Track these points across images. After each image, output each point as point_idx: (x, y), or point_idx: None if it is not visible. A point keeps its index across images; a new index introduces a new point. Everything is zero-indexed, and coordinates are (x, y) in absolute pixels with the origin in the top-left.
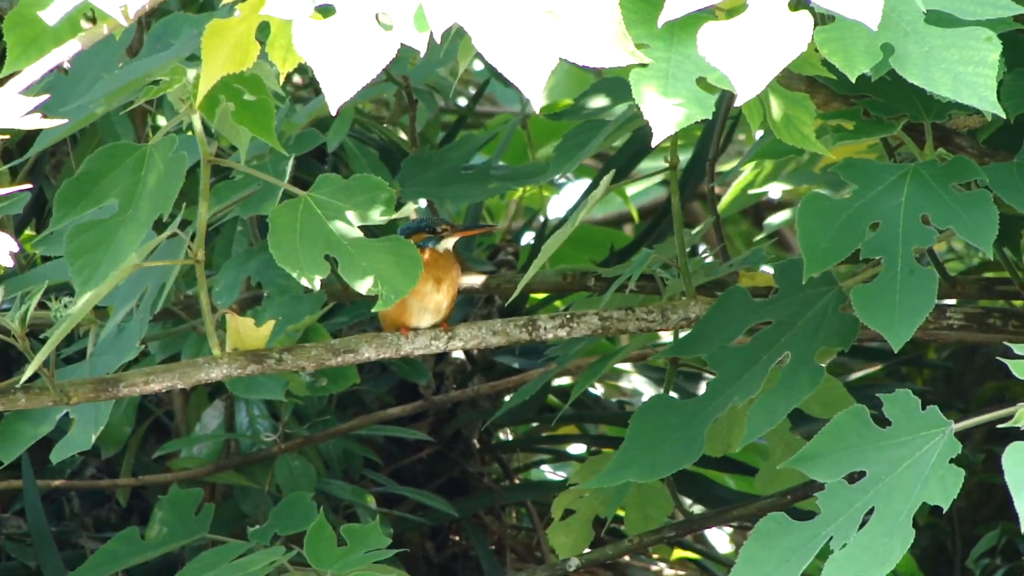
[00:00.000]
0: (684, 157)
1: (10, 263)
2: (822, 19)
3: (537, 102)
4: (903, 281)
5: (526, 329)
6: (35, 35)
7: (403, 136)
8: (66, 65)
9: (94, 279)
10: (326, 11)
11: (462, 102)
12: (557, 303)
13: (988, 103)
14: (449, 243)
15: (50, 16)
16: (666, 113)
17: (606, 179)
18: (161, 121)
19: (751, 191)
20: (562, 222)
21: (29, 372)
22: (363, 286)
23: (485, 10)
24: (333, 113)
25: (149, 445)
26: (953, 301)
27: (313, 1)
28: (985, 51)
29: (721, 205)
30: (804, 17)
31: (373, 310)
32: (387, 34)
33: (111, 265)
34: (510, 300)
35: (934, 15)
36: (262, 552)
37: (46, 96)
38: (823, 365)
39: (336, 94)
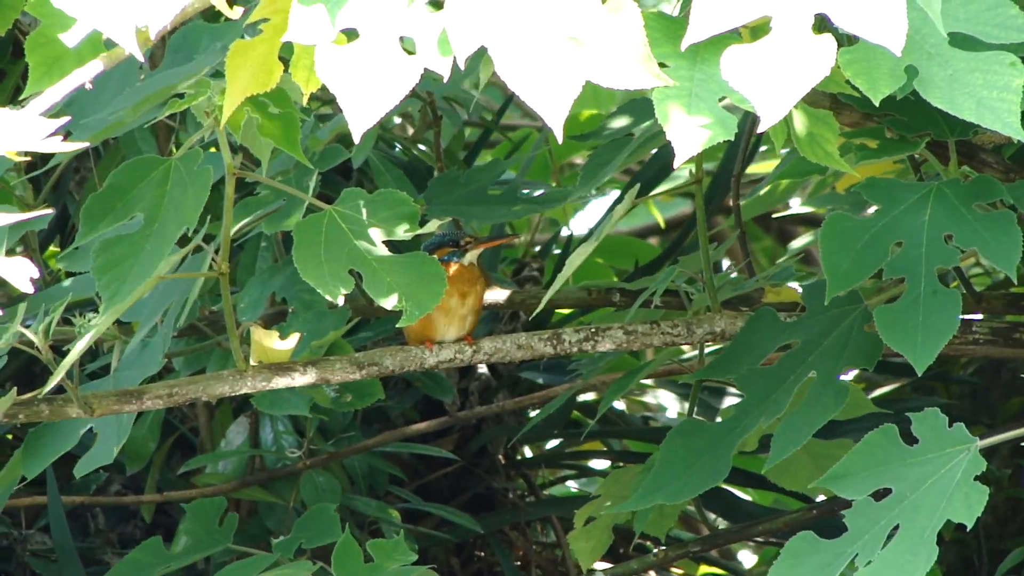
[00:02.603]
0: (709, 167)
1: (30, 289)
2: (847, 40)
3: (559, 131)
4: (926, 302)
5: (550, 342)
6: (57, 55)
7: (424, 148)
8: (88, 87)
9: (120, 294)
10: (350, 34)
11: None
12: (582, 319)
13: (1012, 129)
14: (473, 256)
15: (70, 39)
16: (689, 133)
17: (631, 193)
18: (185, 136)
19: (775, 215)
20: (587, 236)
21: (52, 382)
22: (388, 302)
23: (509, 36)
24: (356, 141)
25: (174, 461)
26: (979, 316)
27: (336, 26)
28: (1009, 76)
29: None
30: (827, 41)
31: (397, 325)
32: (411, 59)
33: (137, 280)
34: (534, 314)
35: (958, 38)
36: (288, 566)
37: (67, 118)
38: (849, 377)
39: (359, 121)
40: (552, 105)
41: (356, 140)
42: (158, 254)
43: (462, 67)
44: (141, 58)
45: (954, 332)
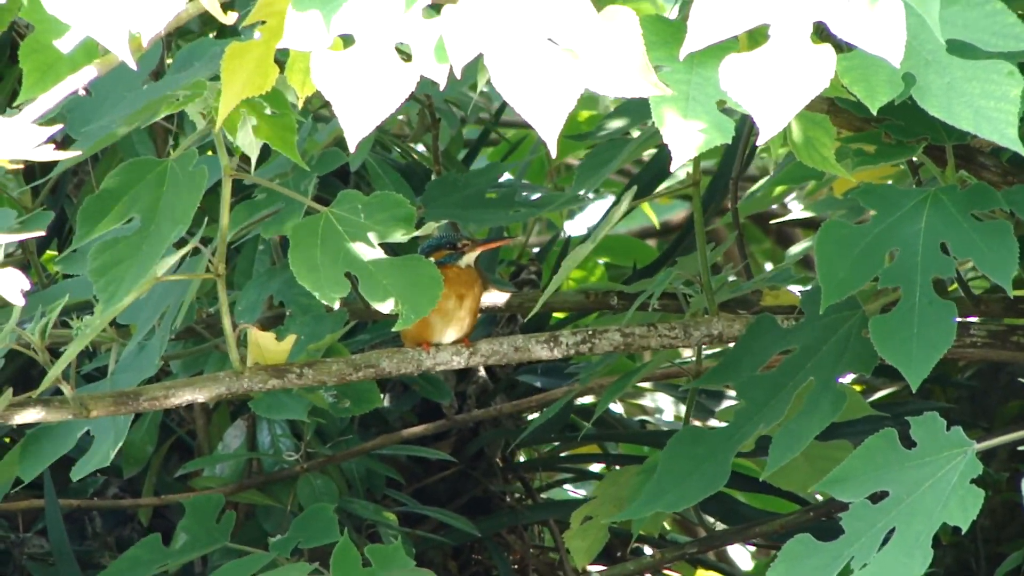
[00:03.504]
0: (708, 166)
1: (22, 302)
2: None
3: (554, 145)
4: (921, 313)
5: (547, 345)
6: (51, 62)
7: (422, 149)
8: (81, 93)
9: (118, 295)
10: (347, 40)
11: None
12: (580, 322)
13: (1009, 140)
14: (471, 258)
15: (64, 45)
16: (686, 137)
17: (628, 195)
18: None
19: (773, 220)
20: (585, 238)
21: (46, 383)
22: (385, 307)
23: (506, 44)
24: (352, 149)
25: (171, 464)
26: (977, 319)
27: (332, 32)
28: (1007, 86)
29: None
30: (827, 51)
31: (393, 330)
32: (407, 66)
33: (134, 281)
34: (530, 316)
35: (956, 45)
36: (285, 567)
37: (59, 126)
38: (847, 380)
39: (355, 129)
40: (547, 118)
41: (351, 149)
42: (154, 255)
43: (458, 76)
44: (133, 66)
45: (949, 345)
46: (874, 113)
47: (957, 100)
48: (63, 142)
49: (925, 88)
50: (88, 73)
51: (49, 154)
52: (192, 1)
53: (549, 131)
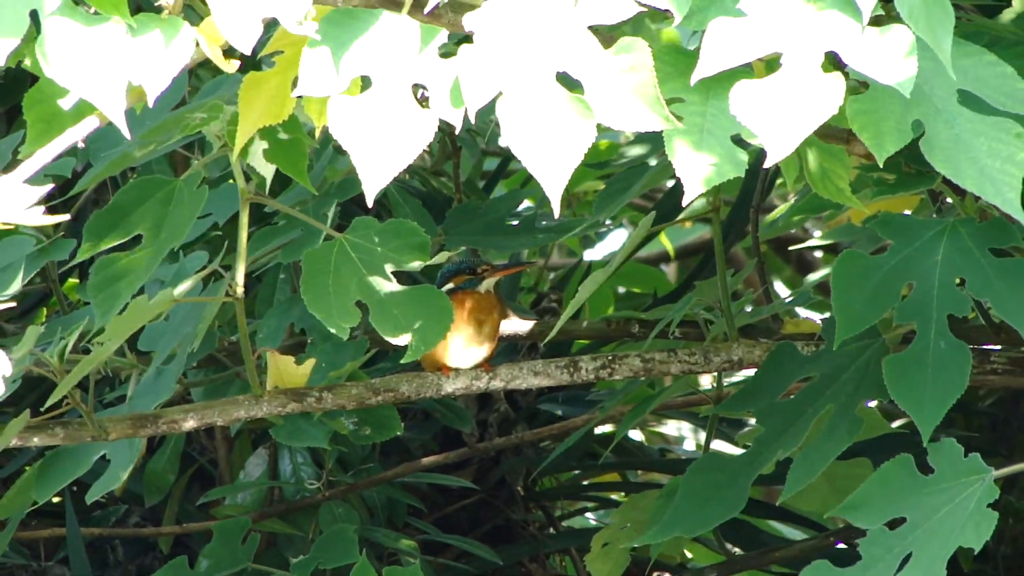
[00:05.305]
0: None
1: (1, 388)
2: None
3: (557, 203)
4: (935, 353)
5: (567, 370)
6: (56, 111)
7: (442, 178)
8: (80, 145)
9: (113, 310)
10: (366, 82)
11: None
12: (601, 350)
13: (1011, 207)
14: (490, 284)
15: (66, 103)
16: (698, 170)
17: (645, 221)
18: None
19: (793, 247)
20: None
21: (55, 396)
22: (397, 340)
23: (521, 84)
24: (369, 203)
25: (193, 493)
26: (998, 346)
27: (341, 72)
28: (1014, 147)
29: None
30: (836, 79)
31: (402, 361)
32: (425, 112)
33: (129, 296)
34: (547, 340)
35: (966, 97)
36: None
37: (50, 186)
38: (871, 405)
39: (373, 180)
40: (552, 177)
41: (369, 203)
42: (149, 268)
43: (472, 120)
44: (128, 135)
45: (963, 390)
46: (880, 164)
47: (964, 155)
48: (83, 170)
49: (933, 139)
50: (89, 124)
51: (38, 218)
52: (198, 48)
53: (553, 190)
